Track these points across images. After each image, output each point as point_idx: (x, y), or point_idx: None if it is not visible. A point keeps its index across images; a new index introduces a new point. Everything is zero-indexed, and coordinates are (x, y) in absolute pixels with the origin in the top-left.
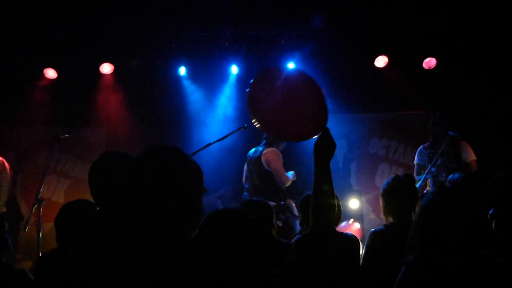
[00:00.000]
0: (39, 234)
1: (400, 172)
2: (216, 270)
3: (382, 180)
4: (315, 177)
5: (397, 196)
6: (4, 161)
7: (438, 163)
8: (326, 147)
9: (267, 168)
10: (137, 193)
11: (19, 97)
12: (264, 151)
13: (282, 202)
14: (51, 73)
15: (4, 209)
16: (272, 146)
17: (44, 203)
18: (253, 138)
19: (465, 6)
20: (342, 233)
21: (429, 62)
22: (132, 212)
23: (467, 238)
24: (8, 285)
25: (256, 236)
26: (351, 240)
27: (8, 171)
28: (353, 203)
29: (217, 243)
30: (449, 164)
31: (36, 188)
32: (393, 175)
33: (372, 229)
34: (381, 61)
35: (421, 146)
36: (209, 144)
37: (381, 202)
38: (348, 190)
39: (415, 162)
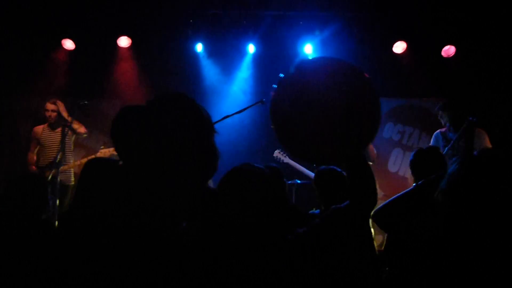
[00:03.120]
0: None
1: None
2: (229, 227)
3: (395, 165)
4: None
5: (423, 170)
6: None
7: (456, 146)
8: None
9: None
10: (151, 143)
11: (37, 68)
12: None
13: None
14: (69, 44)
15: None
16: None
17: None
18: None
19: None
20: None
21: (448, 50)
22: (149, 164)
23: None
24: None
25: (272, 195)
26: None
27: None
28: None
29: (230, 198)
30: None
31: None
32: (416, 149)
33: None
34: (399, 47)
35: (438, 131)
36: (227, 116)
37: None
38: None
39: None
